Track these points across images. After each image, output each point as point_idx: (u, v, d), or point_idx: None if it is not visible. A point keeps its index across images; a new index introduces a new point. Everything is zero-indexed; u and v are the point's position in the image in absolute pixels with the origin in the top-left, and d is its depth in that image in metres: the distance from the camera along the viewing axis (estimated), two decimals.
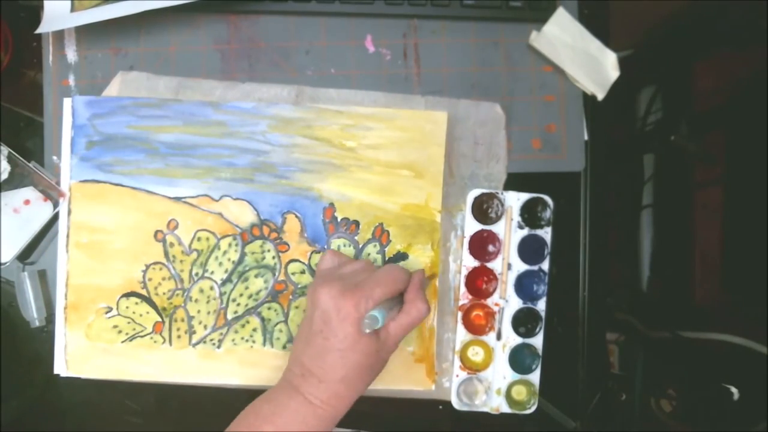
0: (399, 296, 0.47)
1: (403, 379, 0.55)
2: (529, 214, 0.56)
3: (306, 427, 0.44)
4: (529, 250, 0.55)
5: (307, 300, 0.47)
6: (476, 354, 0.56)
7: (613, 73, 0.56)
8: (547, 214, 0.55)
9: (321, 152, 0.54)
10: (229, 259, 0.54)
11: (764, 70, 0.83)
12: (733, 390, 0.78)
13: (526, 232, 0.55)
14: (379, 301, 0.44)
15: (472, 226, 0.55)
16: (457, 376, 0.56)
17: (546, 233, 0.56)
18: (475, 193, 0.55)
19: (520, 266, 0.56)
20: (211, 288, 0.54)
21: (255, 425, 0.44)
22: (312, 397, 0.44)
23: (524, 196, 0.55)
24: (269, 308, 0.54)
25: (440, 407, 0.57)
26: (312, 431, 0.44)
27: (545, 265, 0.56)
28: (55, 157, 0.54)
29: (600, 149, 0.57)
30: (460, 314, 0.55)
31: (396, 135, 0.54)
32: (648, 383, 0.86)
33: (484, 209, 0.55)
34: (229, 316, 0.54)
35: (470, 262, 0.55)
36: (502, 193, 0.55)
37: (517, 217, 0.55)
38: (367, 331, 0.43)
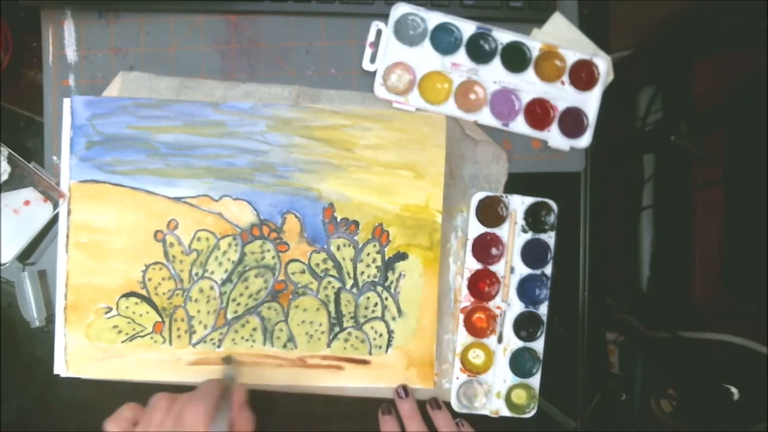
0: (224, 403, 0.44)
1: (402, 379, 0.55)
2: (533, 218, 0.55)
3: None
4: (532, 254, 0.55)
5: None
6: (477, 357, 0.56)
7: (608, 77, 0.56)
8: (552, 218, 0.55)
9: (319, 152, 0.54)
10: (228, 259, 0.54)
11: (764, 70, 0.82)
12: (733, 390, 0.78)
13: (529, 236, 0.55)
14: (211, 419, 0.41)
15: (475, 228, 0.55)
16: (458, 378, 0.56)
17: (550, 238, 0.55)
18: (480, 196, 0.55)
19: (522, 270, 0.56)
20: (211, 288, 0.54)
21: None
22: None
23: (528, 200, 0.55)
24: (269, 308, 0.54)
25: None
26: None
27: (548, 270, 0.55)
28: (55, 158, 0.54)
29: (600, 149, 0.56)
30: (461, 316, 0.55)
31: (394, 136, 0.54)
32: (648, 383, 0.86)
33: (488, 212, 0.55)
34: (229, 316, 0.54)
35: (473, 265, 0.55)
36: (506, 197, 0.55)
37: (521, 221, 0.55)
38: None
